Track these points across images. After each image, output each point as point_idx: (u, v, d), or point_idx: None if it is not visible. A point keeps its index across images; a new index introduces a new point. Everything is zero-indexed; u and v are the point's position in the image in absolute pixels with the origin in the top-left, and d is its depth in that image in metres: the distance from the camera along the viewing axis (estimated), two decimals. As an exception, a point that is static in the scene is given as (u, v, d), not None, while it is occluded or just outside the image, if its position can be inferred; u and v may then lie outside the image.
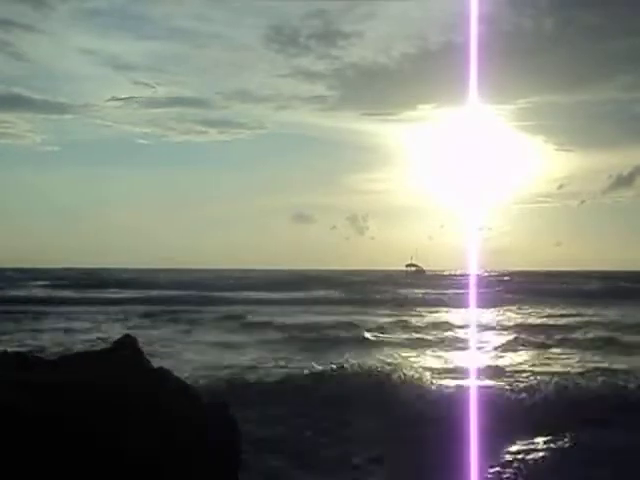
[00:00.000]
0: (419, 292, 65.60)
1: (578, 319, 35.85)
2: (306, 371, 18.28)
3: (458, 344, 26.09)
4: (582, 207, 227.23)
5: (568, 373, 18.90)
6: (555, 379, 16.84)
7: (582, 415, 13.80)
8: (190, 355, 22.39)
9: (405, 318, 36.12)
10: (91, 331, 29.75)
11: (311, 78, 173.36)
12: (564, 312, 40.82)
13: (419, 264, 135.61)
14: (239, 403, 13.34)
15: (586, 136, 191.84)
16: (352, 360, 21.00)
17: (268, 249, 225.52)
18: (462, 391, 15.36)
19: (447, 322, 34.28)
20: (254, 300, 51.13)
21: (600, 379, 16.98)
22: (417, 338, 27.85)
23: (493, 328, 32.39)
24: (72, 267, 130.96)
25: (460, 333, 29.63)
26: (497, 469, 10.80)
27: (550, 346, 25.55)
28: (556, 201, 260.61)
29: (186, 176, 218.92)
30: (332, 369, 17.89)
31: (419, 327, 32.27)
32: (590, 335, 28.57)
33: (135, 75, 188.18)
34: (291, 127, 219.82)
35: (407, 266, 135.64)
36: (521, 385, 16.51)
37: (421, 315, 39.11)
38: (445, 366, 20.62)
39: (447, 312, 41.71)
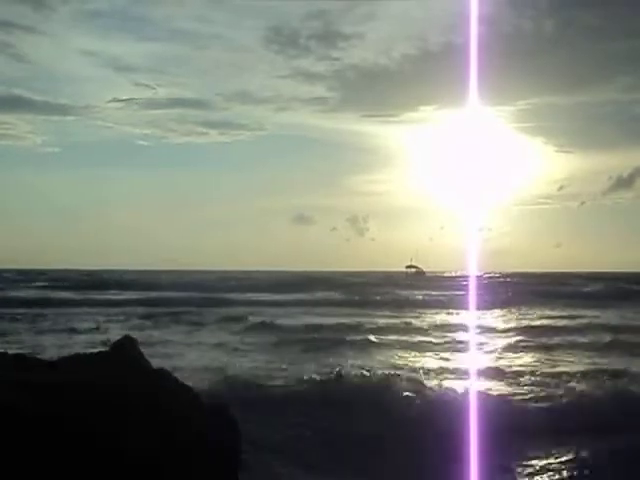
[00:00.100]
0: (420, 294, 65.56)
1: (580, 321, 35.65)
2: (307, 373, 18.28)
3: (461, 347, 25.91)
4: (582, 208, 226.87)
5: (574, 375, 18.79)
6: (562, 382, 16.78)
7: (591, 420, 13.63)
8: (191, 356, 22.38)
9: (406, 320, 36.05)
10: (91, 332, 29.73)
11: (311, 79, 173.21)
12: (565, 314, 40.74)
13: (419, 265, 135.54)
14: (239, 404, 13.36)
15: (586, 137, 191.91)
16: (354, 362, 21.03)
17: (269, 250, 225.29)
18: (467, 396, 15.22)
19: (449, 324, 34.22)
20: (255, 302, 51.10)
21: (607, 383, 16.91)
22: (419, 340, 27.73)
23: (495, 330, 32.23)
24: (73, 268, 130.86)
25: (462, 335, 29.51)
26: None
27: (553, 348, 25.30)
28: (556, 202, 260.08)
29: (186, 177, 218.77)
30: (334, 371, 17.87)
31: (421, 329, 32.16)
32: (594, 337, 28.34)
33: (136, 76, 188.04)
34: (291, 128, 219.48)
35: (407, 267, 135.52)
36: (530, 390, 16.38)
37: (423, 317, 39.02)
38: (448, 369, 20.44)
39: (448, 314, 41.65)
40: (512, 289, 72.31)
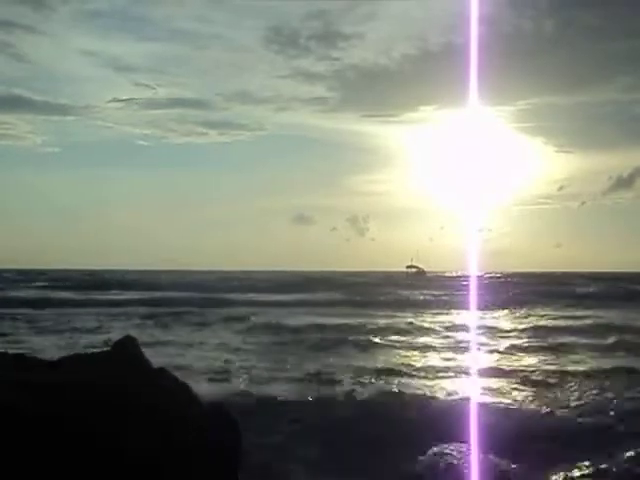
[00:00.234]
0: (421, 294, 65.55)
1: (584, 322, 35.62)
2: (309, 375, 18.30)
3: (464, 347, 25.69)
4: (582, 208, 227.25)
5: (590, 377, 18.64)
6: (574, 384, 16.60)
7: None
8: (192, 356, 22.39)
9: (409, 320, 36.01)
10: (92, 332, 29.75)
11: (311, 79, 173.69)
12: (568, 314, 40.74)
13: (420, 265, 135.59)
14: (240, 404, 13.37)
15: (586, 137, 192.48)
16: (358, 364, 21.01)
17: (269, 250, 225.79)
18: (472, 399, 15.10)
19: (451, 325, 34.13)
20: (257, 302, 51.07)
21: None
22: (422, 341, 27.62)
23: (500, 331, 31.97)
24: (73, 268, 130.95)
25: (466, 336, 29.39)
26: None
27: (559, 349, 25.07)
28: (556, 202, 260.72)
29: (186, 177, 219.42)
30: (336, 373, 17.86)
31: (424, 329, 32.06)
32: (600, 337, 28.20)
33: (136, 76, 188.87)
34: (291, 128, 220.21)
35: (407, 267, 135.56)
36: (538, 392, 16.20)
37: (425, 317, 38.95)
38: (452, 370, 20.29)
39: (451, 314, 41.58)
40: (513, 289, 72.33)
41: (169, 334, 29.37)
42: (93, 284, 73.31)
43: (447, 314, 41.73)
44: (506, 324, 35.36)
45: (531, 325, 34.75)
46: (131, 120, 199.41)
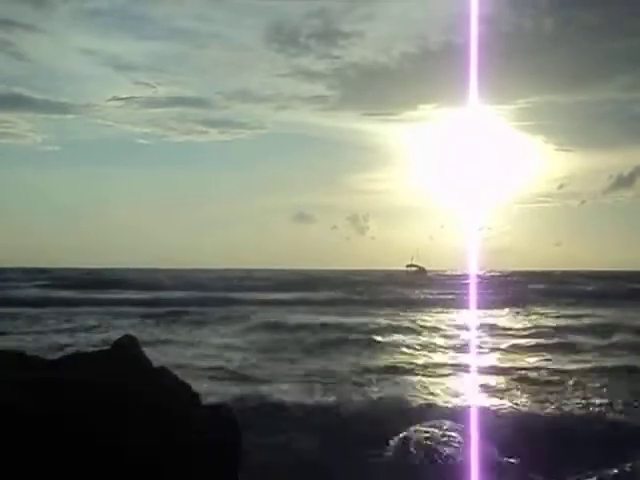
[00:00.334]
0: (422, 292, 65.52)
1: (587, 320, 35.48)
2: (310, 374, 18.29)
3: (467, 347, 25.53)
4: (582, 207, 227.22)
5: (591, 376, 18.52)
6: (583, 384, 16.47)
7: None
8: (192, 355, 22.37)
9: (411, 319, 35.96)
10: (92, 331, 29.75)
11: (311, 78, 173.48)
12: (570, 313, 40.66)
13: (420, 264, 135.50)
14: (240, 403, 13.38)
15: (586, 136, 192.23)
16: (358, 362, 20.99)
17: (269, 249, 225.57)
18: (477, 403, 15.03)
19: (453, 323, 34.09)
20: (257, 301, 50.98)
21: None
22: (425, 340, 27.47)
23: (501, 329, 31.88)
24: (73, 267, 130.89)
25: (467, 335, 29.30)
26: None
27: (563, 348, 24.80)
28: (556, 201, 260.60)
29: (187, 176, 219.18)
30: (337, 372, 17.85)
31: (426, 328, 31.94)
32: (600, 337, 28.02)
33: (136, 75, 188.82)
34: (291, 127, 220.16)
35: (408, 266, 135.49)
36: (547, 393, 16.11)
37: (427, 316, 38.84)
38: (455, 369, 20.20)
39: (452, 313, 41.52)
40: (513, 288, 72.28)
41: (169, 333, 29.35)
42: (93, 283, 73.27)
43: (447, 313, 41.67)
44: (506, 323, 35.28)
45: (532, 324, 34.69)
46: (131, 119, 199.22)
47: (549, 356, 23.10)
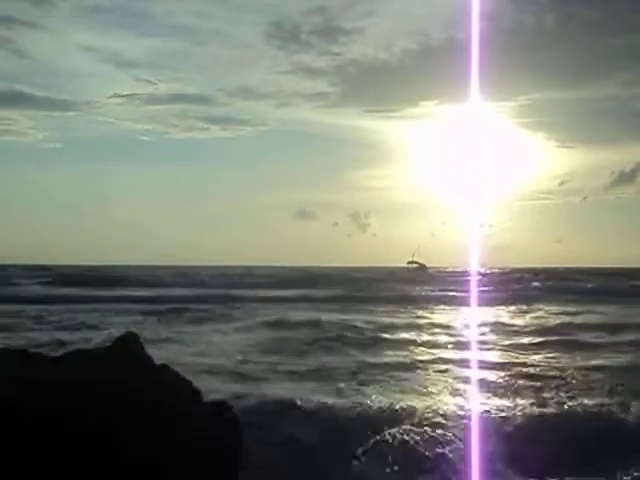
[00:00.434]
0: (424, 289, 65.49)
1: (584, 317, 35.37)
2: (311, 371, 18.26)
3: (469, 344, 25.36)
4: (584, 204, 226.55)
5: (594, 375, 18.35)
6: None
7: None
8: (194, 352, 22.37)
9: (414, 316, 35.91)
10: (93, 328, 29.76)
11: (313, 75, 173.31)
12: (573, 309, 40.57)
13: (421, 261, 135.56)
14: (241, 401, 13.39)
15: (587, 132, 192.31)
16: (360, 360, 20.96)
17: (270, 246, 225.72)
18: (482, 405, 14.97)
19: (454, 320, 33.96)
20: (258, 298, 50.92)
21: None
22: (426, 338, 27.36)
23: (503, 326, 31.66)
24: (74, 264, 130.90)
25: (469, 332, 29.22)
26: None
27: (566, 347, 24.36)
28: (558, 198, 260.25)
29: (188, 173, 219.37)
30: (338, 369, 17.83)
31: (426, 325, 31.82)
32: (603, 334, 27.77)
33: (137, 72, 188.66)
34: (293, 124, 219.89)
35: (409, 263, 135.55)
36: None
37: (427, 313, 38.80)
38: (458, 365, 20.04)
39: (453, 310, 41.46)
40: (514, 285, 72.25)
41: (171, 330, 29.33)
42: (94, 280, 73.26)
43: (448, 310, 41.65)
44: (508, 320, 35.23)
45: (534, 321, 34.65)
46: (132, 115, 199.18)
47: (550, 354, 22.92)
